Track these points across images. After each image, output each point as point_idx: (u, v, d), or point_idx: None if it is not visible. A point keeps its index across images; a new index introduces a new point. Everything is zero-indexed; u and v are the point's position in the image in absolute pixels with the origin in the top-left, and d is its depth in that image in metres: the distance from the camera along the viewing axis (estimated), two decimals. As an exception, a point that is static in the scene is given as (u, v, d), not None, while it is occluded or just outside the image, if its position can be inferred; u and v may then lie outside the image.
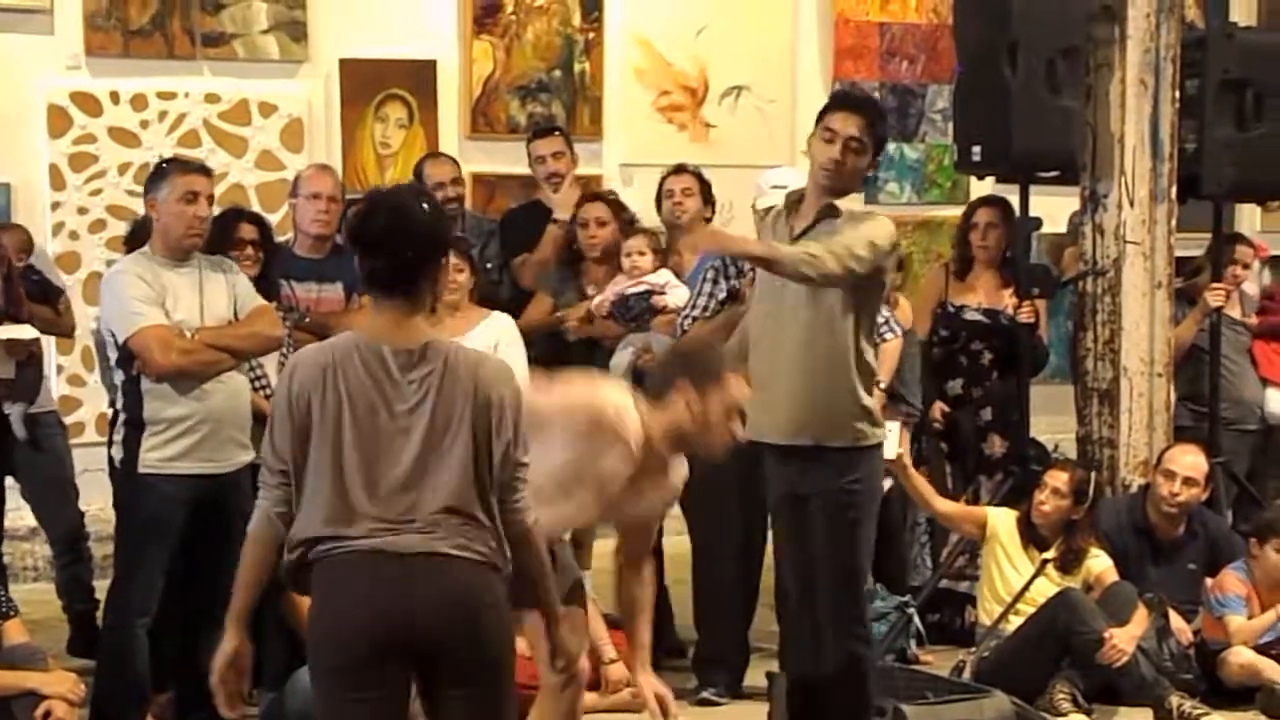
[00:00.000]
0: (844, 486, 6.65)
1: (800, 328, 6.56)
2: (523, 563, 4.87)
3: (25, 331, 7.45)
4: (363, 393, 4.73)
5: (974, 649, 8.25)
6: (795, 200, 6.79)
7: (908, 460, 8.24)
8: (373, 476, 4.73)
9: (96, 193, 9.50)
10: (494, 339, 7.75)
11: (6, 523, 8.20)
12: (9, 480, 8.07)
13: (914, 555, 9.30)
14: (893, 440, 7.99)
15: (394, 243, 4.80)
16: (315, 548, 4.73)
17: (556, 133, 9.54)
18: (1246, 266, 9.93)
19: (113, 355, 6.97)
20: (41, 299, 7.95)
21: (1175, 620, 8.31)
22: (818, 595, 6.75)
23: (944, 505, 8.44)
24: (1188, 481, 8.46)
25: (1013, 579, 8.26)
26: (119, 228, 8.80)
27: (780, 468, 6.76)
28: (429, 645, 4.71)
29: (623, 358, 8.47)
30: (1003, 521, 8.32)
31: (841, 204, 6.74)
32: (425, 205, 5.02)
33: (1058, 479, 8.36)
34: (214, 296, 7.03)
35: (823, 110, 6.74)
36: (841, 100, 6.93)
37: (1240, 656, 8.13)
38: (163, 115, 9.64)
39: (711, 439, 5.78)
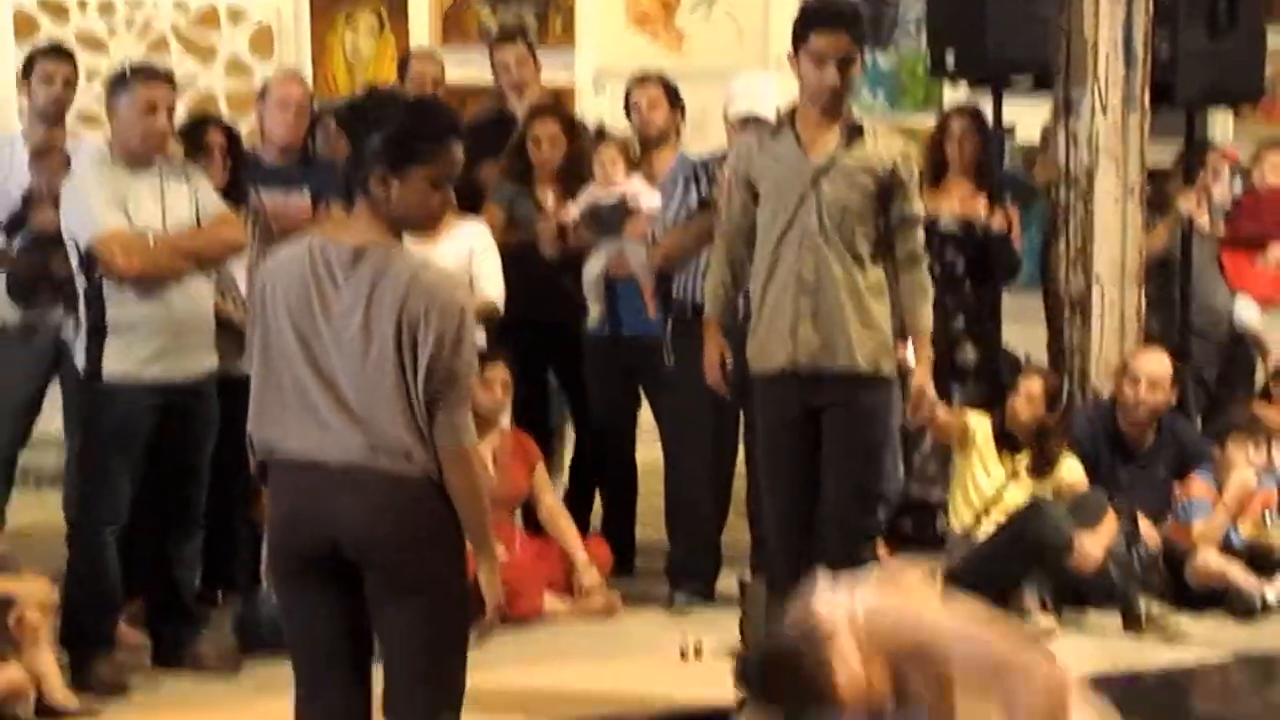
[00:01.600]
0: (866, 407, 6.69)
1: (829, 257, 6.55)
2: (453, 484, 4.73)
3: None
4: (303, 292, 4.70)
5: (945, 555, 8.29)
6: (790, 119, 6.74)
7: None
8: (309, 382, 4.70)
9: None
10: (468, 246, 7.78)
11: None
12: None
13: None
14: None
15: (360, 131, 4.77)
16: (266, 451, 4.78)
17: (519, 39, 9.49)
18: (1218, 174, 9.94)
19: (76, 260, 6.93)
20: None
21: (1144, 526, 8.36)
22: (831, 518, 6.79)
23: (942, 411, 8.44)
24: (1153, 386, 8.50)
25: (985, 485, 8.28)
26: (90, 134, 8.75)
27: (793, 393, 6.74)
28: (357, 557, 4.70)
29: (596, 266, 8.48)
30: (981, 427, 8.34)
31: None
32: (404, 101, 5.19)
33: (1032, 385, 8.36)
34: (176, 202, 6.99)
35: (802, 28, 6.65)
36: (822, 18, 6.71)
37: (1207, 560, 8.21)
38: (130, 22, 9.59)
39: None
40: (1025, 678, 4.16)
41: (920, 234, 6.85)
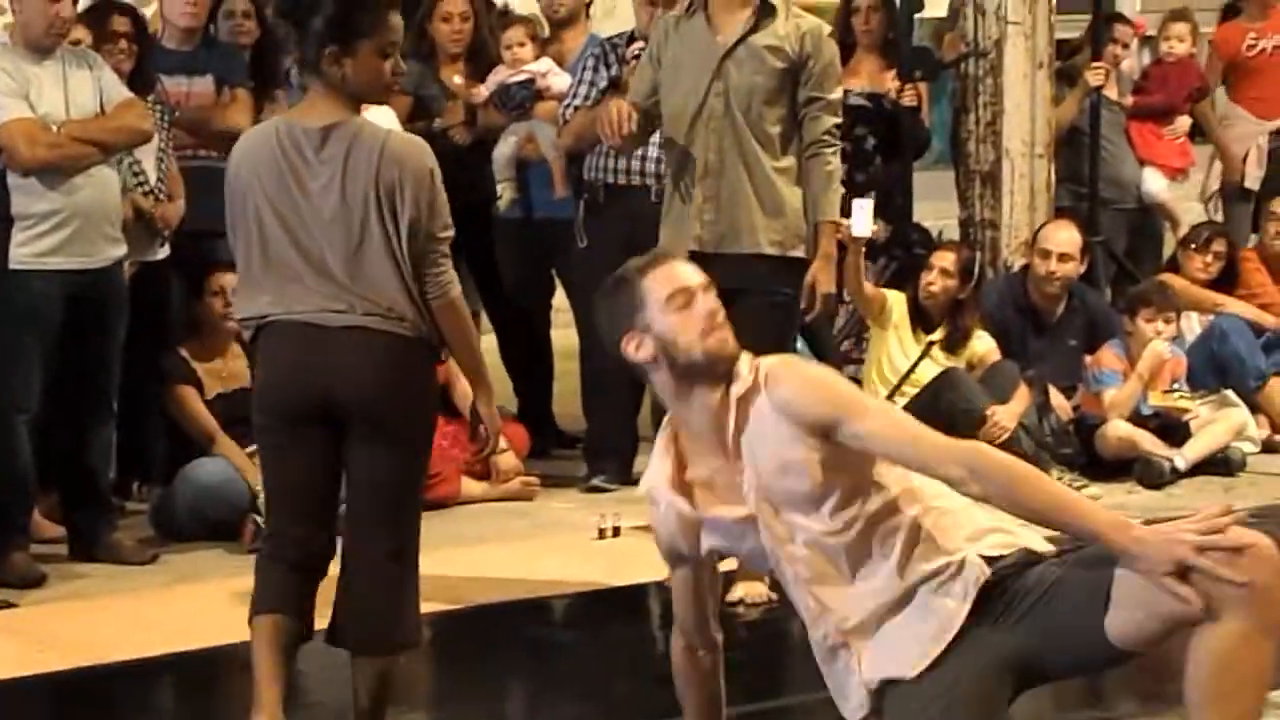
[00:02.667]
0: (772, 289, 6.55)
1: (734, 141, 6.46)
2: (447, 333, 5.08)
3: None
4: (274, 171, 4.95)
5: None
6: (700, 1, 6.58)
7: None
8: (294, 255, 4.95)
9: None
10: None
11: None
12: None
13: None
14: (863, 218, 8.06)
15: (312, 16, 4.93)
16: (260, 322, 5.03)
17: None
18: (1126, 46, 9.98)
19: None
20: None
21: (1055, 397, 8.45)
22: None
23: (867, 287, 8.44)
24: (1063, 257, 8.56)
25: (899, 360, 8.34)
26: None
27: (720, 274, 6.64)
28: (348, 408, 4.95)
29: (506, 148, 8.47)
30: (898, 303, 8.38)
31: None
32: None
33: (944, 259, 8.43)
34: (79, 89, 6.95)
35: None
36: None
37: (1118, 430, 8.32)
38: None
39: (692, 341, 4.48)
40: None
41: (830, 119, 6.66)
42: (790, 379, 4.28)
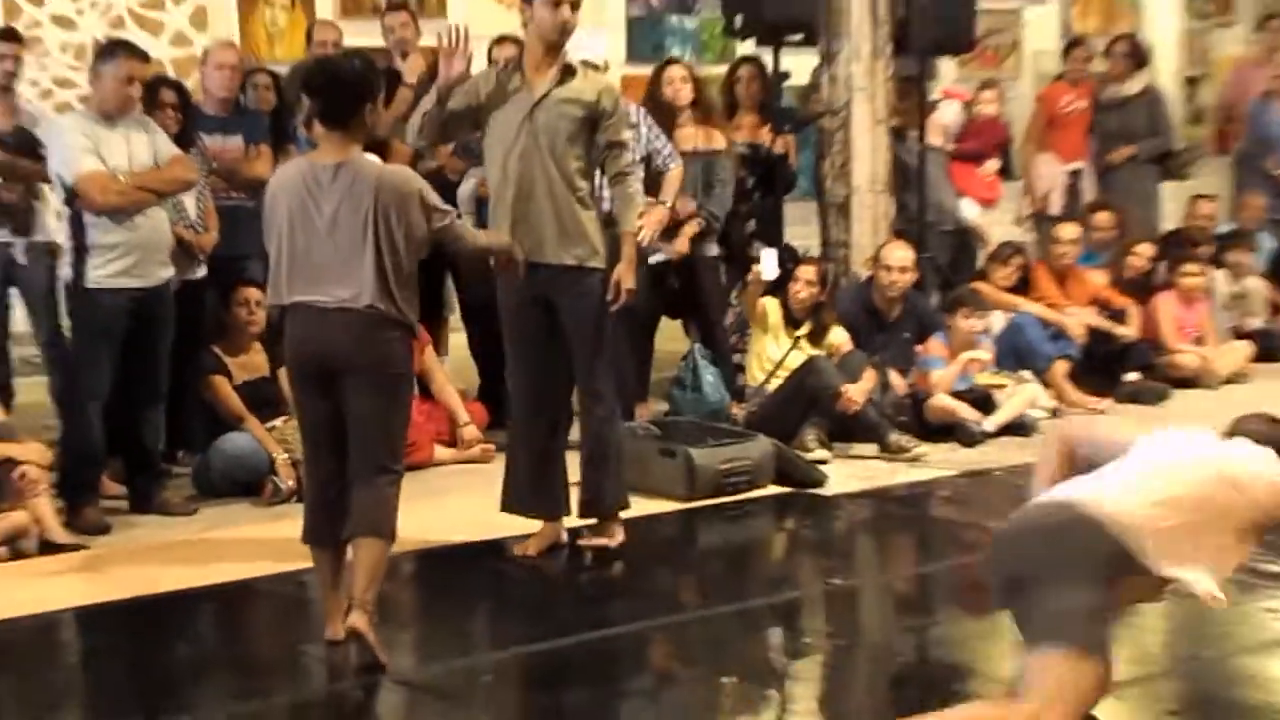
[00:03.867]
0: (579, 292, 6.36)
1: (539, 173, 6.24)
2: (462, 247, 5.75)
3: None
4: (298, 199, 5.24)
5: (744, 404, 8.40)
6: (516, 61, 6.42)
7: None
8: (310, 260, 5.23)
9: (45, 68, 9.27)
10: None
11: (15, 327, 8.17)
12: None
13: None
14: (771, 263, 8.33)
15: (328, 88, 5.29)
16: (283, 306, 5.34)
17: (403, 8, 9.33)
18: (945, 109, 10.10)
19: (61, 193, 6.90)
20: (31, 153, 7.68)
21: (894, 378, 8.49)
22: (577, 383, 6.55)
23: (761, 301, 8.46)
24: (900, 270, 8.60)
25: (774, 351, 8.34)
26: (63, 95, 8.64)
27: (532, 280, 6.31)
28: (341, 366, 5.22)
29: (466, 188, 8.47)
30: (772, 307, 8.40)
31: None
32: (355, 63, 5.49)
33: (808, 272, 8.42)
34: (138, 149, 6.96)
35: None
36: None
37: (941, 402, 8.39)
38: (94, 4, 9.43)
39: None
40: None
41: (627, 155, 6.52)
42: None
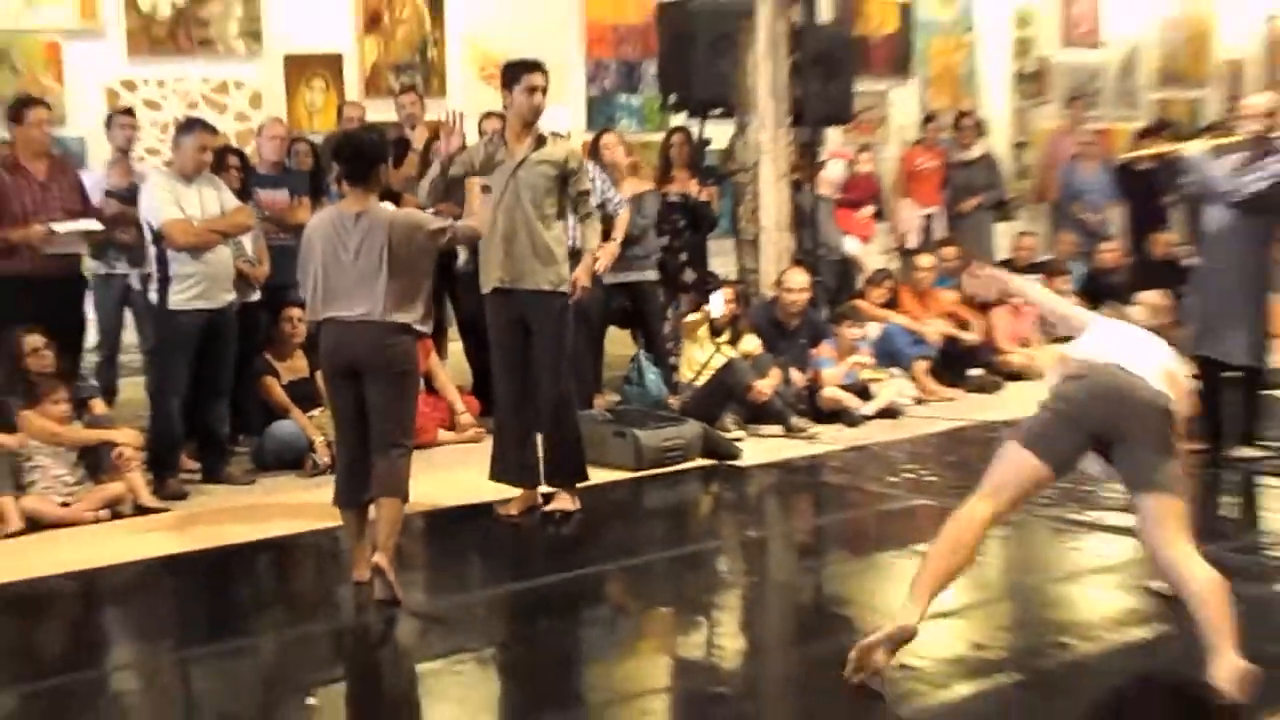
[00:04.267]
0: (549, 312, 6.32)
1: (521, 219, 6.22)
2: (466, 241, 6.02)
3: (92, 224, 7.27)
4: (329, 238, 5.31)
5: (678, 396, 8.34)
6: (500, 133, 6.36)
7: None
8: (339, 284, 5.29)
9: (136, 140, 9.16)
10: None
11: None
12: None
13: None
14: (719, 303, 8.23)
15: (353, 155, 5.36)
16: (319, 321, 5.40)
17: (412, 90, 9.35)
18: (832, 166, 10.08)
19: (149, 235, 6.87)
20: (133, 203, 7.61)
21: (794, 374, 8.43)
22: (540, 389, 6.42)
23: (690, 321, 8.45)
24: (799, 291, 8.57)
25: (700, 355, 8.29)
26: (152, 160, 8.56)
27: (502, 304, 6.36)
28: (363, 364, 5.27)
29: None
30: (700, 320, 8.38)
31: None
32: (372, 136, 5.61)
33: (728, 293, 8.41)
34: (209, 201, 6.92)
35: (515, 73, 6.25)
36: (529, 65, 6.31)
37: (831, 393, 8.35)
38: (175, 91, 9.36)
39: None
40: None
41: (590, 201, 6.50)
42: None
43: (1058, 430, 4.25)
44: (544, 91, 6.28)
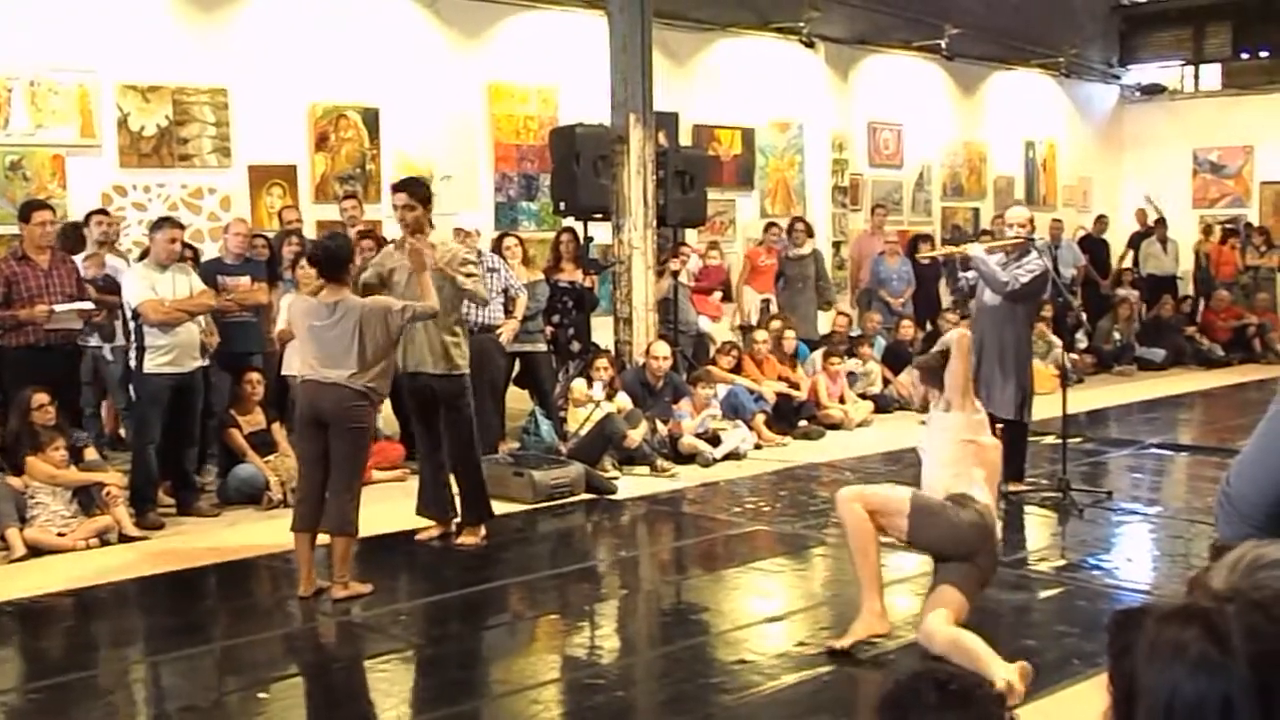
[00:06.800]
0: (450, 391, 6.21)
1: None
2: (423, 316, 5.63)
3: (86, 304, 7.18)
4: (312, 318, 5.39)
5: (566, 443, 8.34)
6: (404, 240, 6.06)
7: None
8: (317, 353, 5.36)
9: (126, 235, 9.02)
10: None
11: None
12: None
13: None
14: (598, 389, 8.15)
15: (327, 260, 5.44)
16: (299, 379, 5.53)
17: (353, 197, 9.31)
18: (687, 258, 10.21)
19: (130, 313, 6.80)
20: (114, 292, 7.45)
21: (659, 425, 8.49)
22: (451, 452, 6.33)
23: (574, 389, 8.42)
24: (663, 359, 8.65)
25: (582, 413, 8.24)
26: (136, 252, 8.41)
27: (417, 383, 6.25)
28: (328, 418, 5.32)
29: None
30: (581, 385, 8.34)
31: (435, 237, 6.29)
32: (340, 241, 5.67)
33: (604, 361, 8.42)
34: (180, 285, 6.87)
35: (393, 192, 6.19)
36: (395, 186, 6.25)
37: (687, 440, 8.40)
38: (157, 197, 9.22)
39: None
40: None
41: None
42: None
43: None
44: (409, 208, 6.03)
